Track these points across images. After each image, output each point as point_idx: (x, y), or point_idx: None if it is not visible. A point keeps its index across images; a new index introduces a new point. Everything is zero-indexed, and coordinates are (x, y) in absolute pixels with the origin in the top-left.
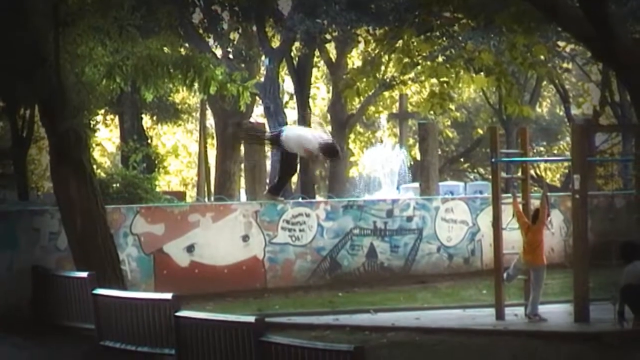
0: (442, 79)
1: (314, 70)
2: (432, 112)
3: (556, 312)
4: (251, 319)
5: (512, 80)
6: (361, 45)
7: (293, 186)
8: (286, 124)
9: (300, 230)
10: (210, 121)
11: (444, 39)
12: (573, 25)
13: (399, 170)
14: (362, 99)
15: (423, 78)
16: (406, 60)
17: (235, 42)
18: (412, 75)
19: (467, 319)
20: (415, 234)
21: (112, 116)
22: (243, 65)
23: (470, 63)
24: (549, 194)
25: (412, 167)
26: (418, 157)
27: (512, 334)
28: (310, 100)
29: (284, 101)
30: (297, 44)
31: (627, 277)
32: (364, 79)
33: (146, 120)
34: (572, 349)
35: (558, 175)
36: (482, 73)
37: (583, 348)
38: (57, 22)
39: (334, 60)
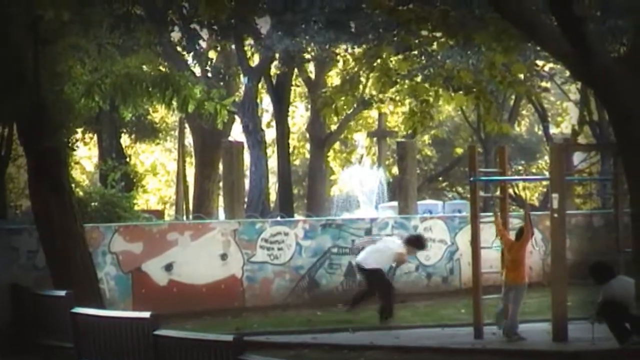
0: (421, 98)
1: (293, 88)
2: (411, 131)
3: (534, 331)
4: (229, 337)
5: (491, 98)
6: (340, 64)
7: (272, 204)
8: (264, 142)
9: (278, 249)
10: (188, 139)
11: (423, 57)
12: (552, 43)
13: (378, 189)
14: (340, 117)
15: (402, 97)
16: (385, 79)
17: (214, 61)
18: (391, 94)
19: (445, 338)
20: None
21: (90, 134)
22: (222, 83)
23: (449, 82)
24: (530, 212)
25: (390, 185)
26: (397, 176)
27: (490, 352)
28: (289, 119)
29: (263, 120)
30: (275, 62)
31: (605, 296)
32: (343, 98)
33: (125, 139)
34: None
35: (536, 194)
36: (461, 92)
37: None
38: (36, 39)
39: (312, 78)
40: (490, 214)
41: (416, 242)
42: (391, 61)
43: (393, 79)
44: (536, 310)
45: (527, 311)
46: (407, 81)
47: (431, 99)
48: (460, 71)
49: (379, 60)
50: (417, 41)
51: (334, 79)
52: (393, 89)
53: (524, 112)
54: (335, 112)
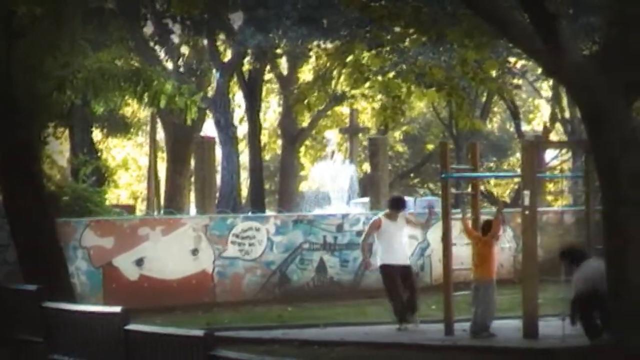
0: (393, 94)
1: (265, 84)
2: (382, 127)
3: (505, 328)
4: (200, 333)
5: (463, 95)
6: (312, 60)
7: (243, 200)
8: (236, 137)
9: (249, 245)
10: (160, 135)
11: (395, 54)
12: (524, 40)
13: (349, 185)
14: (312, 113)
15: (374, 93)
16: (357, 75)
17: (186, 56)
18: (363, 90)
19: (416, 334)
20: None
21: (62, 129)
22: (194, 79)
23: (422, 78)
24: (504, 210)
25: (362, 181)
26: (368, 172)
27: (460, 349)
28: (261, 115)
29: (235, 115)
30: (248, 58)
31: (577, 284)
32: (315, 94)
33: (96, 134)
34: None
35: (508, 191)
36: (433, 88)
37: None
38: (8, 33)
39: (285, 74)
40: (459, 210)
41: (391, 203)
42: (363, 57)
43: (365, 75)
44: (507, 307)
45: (498, 308)
46: (379, 77)
47: (403, 95)
48: (432, 68)
49: (351, 57)
50: (389, 38)
51: (306, 75)
52: (365, 85)
53: (495, 109)
54: (308, 108)
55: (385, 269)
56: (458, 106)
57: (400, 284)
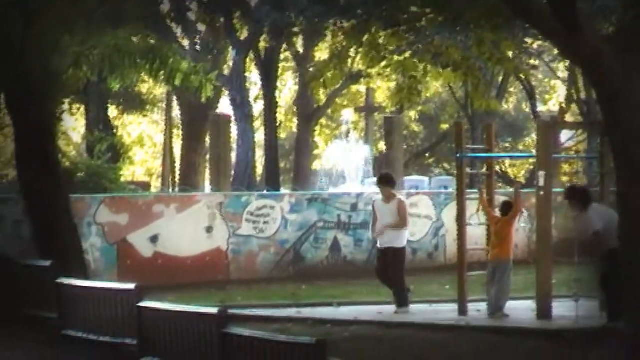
0: (409, 74)
1: (281, 63)
2: (398, 107)
3: (519, 309)
4: (214, 310)
5: (479, 75)
6: (328, 39)
7: (258, 178)
8: (252, 115)
9: (264, 223)
10: (176, 112)
11: (411, 33)
12: (541, 21)
13: (364, 164)
14: (328, 91)
15: (390, 72)
16: (373, 54)
17: (202, 34)
18: (379, 69)
19: (429, 314)
20: None
21: (78, 105)
22: (210, 57)
23: (438, 58)
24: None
25: (377, 161)
26: (383, 151)
27: (474, 329)
28: (277, 93)
29: (251, 93)
30: (264, 36)
31: (596, 224)
32: (331, 72)
33: (112, 110)
34: (533, 345)
35: (523, 172)
36: (449, 68)
37: (544, 344)
38: (24, 10)
39: (301, 53)
40: (476, 190)
41: (380, 179)
42: (380, 36)
43: (381, 55)
44: (521, 287)
45: (513, 288)
46: (395, 57)
47: (419, 75)
48: (448, 48)
49: (367, 36)
50: (405, 17)
51: (322, 53)
52: (381, 65)
53: (511, 89)
54: (324, 86)
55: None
56: (474, 86)
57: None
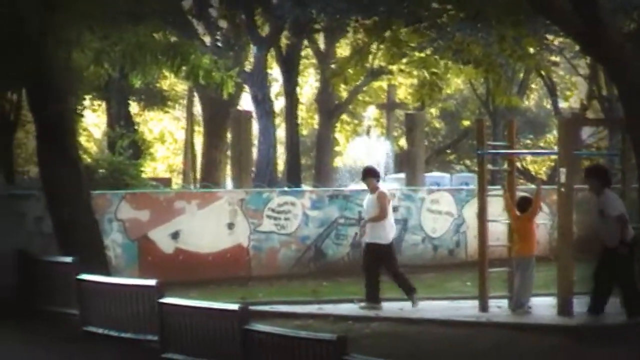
0: (431, 70)
1: (303, 59)
2: (419, 103)
3: (540, 305)
4: (235, 306)
5: (500, 72)
6: (350, 35)
7: (279, 174)
8: (273, 112)
9: (285, 219)
10: (197, 108)
11: (433, 30)
12: (561, 18)
13: (385, 161)
14: (349, 88)
15: (412, 68)
16: (394, 50)
17: (224, 30)
18: (400, 65)
19: (450, 311)
20: (400, 225)
21: (99, 102)
22: (231, 53)
23: (459, 55)
24: (542, 186)
25: (398, 157)
26: (404, 148)
27: (494, 325)
28: (298, 89)
29: (273, 90)
30: (285, 32)
31: (620, 207)
32: (352, 68)
33: (133, 107)
34: (554, 341)
35: (544, 168)
36: (470, 65)
37: (565, 341)
38: (44, 5)
39: (322, 49)
40: (498, 187)
41: (362, 173)
42: (401, 33)
43: (402, 51)
44: (542, 284)
45: (534, 285)
46: (416, 53)
47: (440, 71)
48: (470, 44)
49: (388, 32)
50: (427, 14)
51: (344, 49)
52: (403, 61)
53: (532, 85)
54: (345, 82)
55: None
56: (495, 83)
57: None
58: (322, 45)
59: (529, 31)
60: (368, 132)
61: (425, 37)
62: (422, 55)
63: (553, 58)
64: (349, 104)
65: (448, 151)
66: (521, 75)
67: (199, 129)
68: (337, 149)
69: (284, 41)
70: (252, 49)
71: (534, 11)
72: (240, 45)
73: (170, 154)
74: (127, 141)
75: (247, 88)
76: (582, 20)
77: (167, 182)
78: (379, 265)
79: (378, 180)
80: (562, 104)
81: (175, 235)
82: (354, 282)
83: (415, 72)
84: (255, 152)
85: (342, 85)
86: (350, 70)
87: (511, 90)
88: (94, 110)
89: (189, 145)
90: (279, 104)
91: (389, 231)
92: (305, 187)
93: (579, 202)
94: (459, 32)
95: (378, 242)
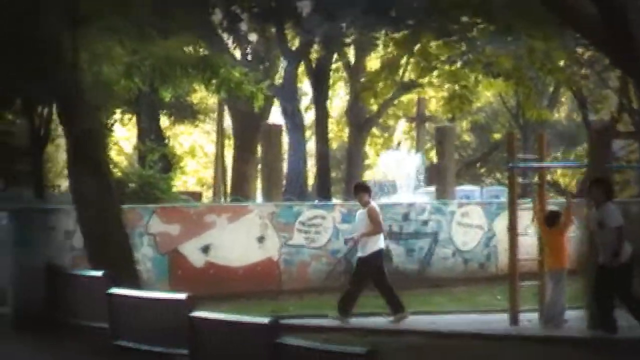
0: (461, 83)
1: (332, 72)
2: (450, 115)
3: (570, 318)
4: (265, 320)
5: (531, 85)
6: (380, 49)
7: (309, 188)
8: (303, 125)
9: (315, 233)
10: (227, 122)
11: (463, 43)
12: (591, 31)
13: (415, 174)
14: (380, 101)
15: (442, 82)
16: (424, 64)
17: (254, 44)
18: (431, 78)
19: (481, 324)
20: (430, 238)
21: (129, 115)
22: (261, 67)
23: (489, 68)
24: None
25: (428, 170)
26: (435, 161)
27: (524, 339)
28: (328, 102)
29: (303, 103)
30: (315, 46)
31: (620, 219)
32: (382, 82)
33: (164, 120)
34: (584, 355)
35: (574, 181)
36: (500, 77)
37: (595, 354)
38: (74, 20)
39: (352, 63)
40: (529, 199)
41: (353, 189)
42: (431, 47)
43: (432, 64)
44: (572, 297)
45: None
46: (446, 66)
47: (470, 85)
48: (500, 57)
49: (418, 45)
50: (456, 27)
51: (374, 63)
52: (433, 74)
53: (562, 98)
54: (374, 96)
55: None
56: (525, 96)
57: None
58: (352, 59)
59: (559, 45)
60: (398, 146)
61: (455, 50)
62: (452, 68)
63: (583, 71)
64: (379, 118)
65: (478, 164)
66: (551, 88)
67: (229, 143)
68: (367, 162)
69: (314, 55)
70: (282, 63)
71: (563, 22)
72: (270, 58)
73: (200, 168)
74: (157, 155)
75: (277, 101)
76: (611, 33)
77: (197, 196)
78: (380, 276)
79: (370, 196)
80: (593, 117)
81: (205, 249)
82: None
83: (445, 85)
84: (285, 165)
85: (372, 99)
86: (380, 84)
87: (541, 103)
88: (125, 124)
89: (219, 158)
90: (309, 117)
91: (380, 244)
92: (335, 200)
93: None
94: (489, 45)
95: (372, 253)
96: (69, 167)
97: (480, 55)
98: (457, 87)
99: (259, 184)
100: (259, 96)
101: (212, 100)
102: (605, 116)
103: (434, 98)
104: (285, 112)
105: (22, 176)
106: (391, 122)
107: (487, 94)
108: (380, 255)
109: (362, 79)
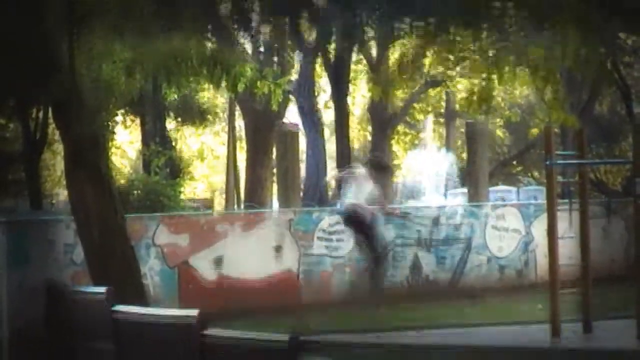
0: (488, 75)
1: (353, 67)
2: (472, 111)
3: (617, 328)
4: (285, 337)
5: (560, 80)
6: (402, 40)
7: (330, 192)
8: (322, 124)
9: (337, 240)
10: (239, 122)
11: (492, 32)
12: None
13: (446, 175)
14: (405, 96)
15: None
16: (449, 56)
17: (267, 37)
18: (457, 71)
19: (520, 336)
20: (463, 244)
21: (132, 117)
22: (275, 60)
23: (520, 59)
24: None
25: (460, 170)
26: (466, 160)
27: (567, 352)
28: (349, 99)
29: (320, 100)
30: (334, 38)
31: None
32: (405, 75)
33: (169, 122)
34: None
35: (619, 179)
36: (527, 69)
37: None
38: (71, 19)
39: (374, 56)
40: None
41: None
42: (457, 37)
43: (458, 56)
44: (620, 305)
45: (610, 307)
46: (474, 57)
47: (497, 77)
48: (529, 45)
49: (442, 36)
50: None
51: (396, 56)
52: (458, 67)
53: (604, 91)
54: (383, 92)
55: None
56: (553, 93)
57: None
58: (374, 50)
59: (597, 42)
60: (426, 144)
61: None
62: (476, 57)
63: (627, 58)
64: (405, 114)
65: (514, 163)
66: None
67: (242, 145)
68: (394, 162)
69: (332, 47)
70: (298, 56)
71: (603, 18)
72: (284, 52)
73: (210, 172)
74: (163, 159)
75: (293, 99)
76: None
77: (208, 202)
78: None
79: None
80: (638, 109)
81: (218, 261)
82: (414, 307)
83: (472, 80)
84: (303, 168)
85: (398, 94)
86: (404, 77)
87: (581, 96)
88: (127, 127)
89: (231, 162)
90: (329, 115)
91: None
92: None
93: None
94: (522, 33)
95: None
96: (67, 175)
97: (510, 43)
98: (478, 81)
99: (274, 189)
100: (277, 93)
101: (222, 99)
102: None
103: (463, 92)
104: (302, 110)
105: (16, 185)
106: (418, 119)
107: (523, 87)
108: None
109: (385, 74)
